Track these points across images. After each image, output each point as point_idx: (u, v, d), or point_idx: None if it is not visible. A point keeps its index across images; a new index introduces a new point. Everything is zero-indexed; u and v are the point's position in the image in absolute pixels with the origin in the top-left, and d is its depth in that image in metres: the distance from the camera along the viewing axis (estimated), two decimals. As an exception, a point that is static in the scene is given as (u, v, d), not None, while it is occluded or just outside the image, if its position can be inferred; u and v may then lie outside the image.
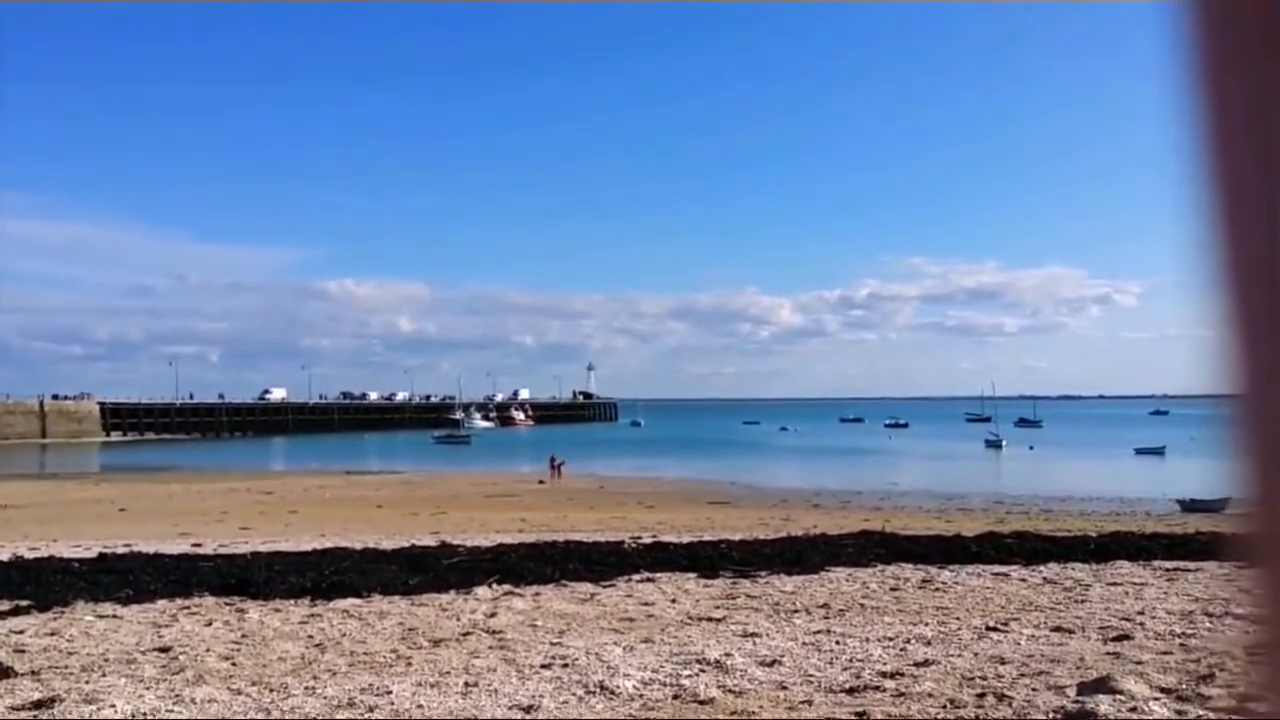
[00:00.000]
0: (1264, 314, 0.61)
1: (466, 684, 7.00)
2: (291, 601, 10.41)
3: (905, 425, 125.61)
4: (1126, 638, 8.34)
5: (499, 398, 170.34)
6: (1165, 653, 7.78)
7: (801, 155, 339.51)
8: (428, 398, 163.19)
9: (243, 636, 8.80)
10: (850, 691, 6.73)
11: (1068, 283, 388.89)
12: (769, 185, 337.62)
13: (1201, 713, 6.00)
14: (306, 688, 6.98)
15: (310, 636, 8.76)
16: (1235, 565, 11.98)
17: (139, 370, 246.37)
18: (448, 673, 7.35)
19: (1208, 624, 8.88)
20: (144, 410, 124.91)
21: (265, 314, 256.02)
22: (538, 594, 10.82)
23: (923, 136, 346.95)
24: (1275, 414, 0.60)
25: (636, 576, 11.91)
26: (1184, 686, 6.54)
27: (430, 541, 16.46)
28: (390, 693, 6.73)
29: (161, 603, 10.41)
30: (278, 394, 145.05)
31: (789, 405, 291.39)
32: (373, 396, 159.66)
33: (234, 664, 7.76)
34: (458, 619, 9.48)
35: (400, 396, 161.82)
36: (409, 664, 7.71)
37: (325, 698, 6.68)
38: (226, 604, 10.35)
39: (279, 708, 6.50)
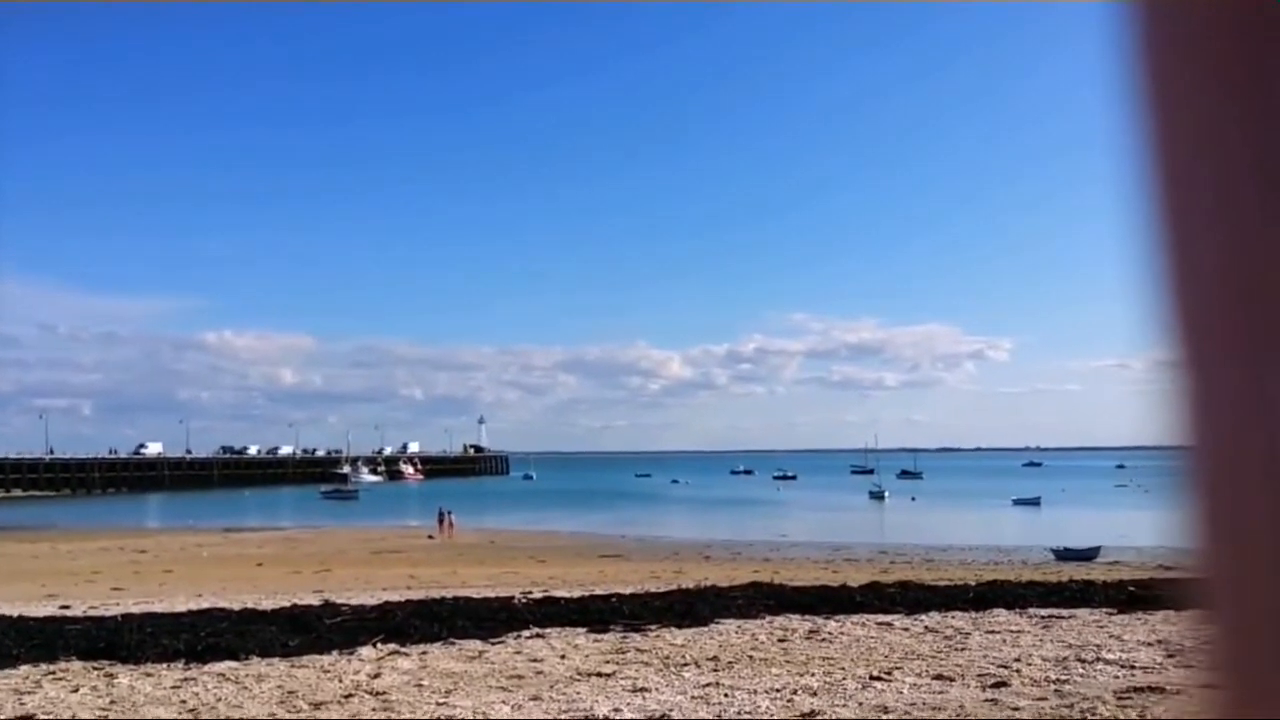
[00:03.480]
0: (1218, 343, 0.56)
1: (349, 747, 6.82)
2: (164, 665, 10.01)
3: (794, 477, 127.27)
4: (1004, 685, 8.58)
5: (387, 451, 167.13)
6: (1041, 699, 8.03)
7: (685, 207, 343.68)
8: (313, 451, 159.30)
9: (111, 703, 8.44)
10: (738, 745, 6.76)
11: (943, 339, 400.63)
12: (654, 235, 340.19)
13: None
14: (179, 756, 6.71)
15: (183, 702, 8.44)
16: (1106, 611, 12.43)
17: (8, 424, 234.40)
18: (329, 736, 7.15)
19: (1081, 670, 9.19)
20: (10, 465, 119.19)
21: (140, 366, 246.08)
22: (424, 653, 10.62)
23: (802, 195, 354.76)
24: (1233, 446, 0.55)
25: (526, 633, 11.79)
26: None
27: (313, 600, 16.02)
28: (268, 758, 6.52)
29: (25, 668, 9.91)
30: (153, 449, 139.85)
31: (681, 458, 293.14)
32: (254, 451, 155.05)
33: (101, 732, 7.42)
34: (340, 681, 9.23)
35: (284, 451, 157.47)
36: (289, 728, 7.49)
37: (199, 766, 6.44)
38: (95, 669, 9.89)
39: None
